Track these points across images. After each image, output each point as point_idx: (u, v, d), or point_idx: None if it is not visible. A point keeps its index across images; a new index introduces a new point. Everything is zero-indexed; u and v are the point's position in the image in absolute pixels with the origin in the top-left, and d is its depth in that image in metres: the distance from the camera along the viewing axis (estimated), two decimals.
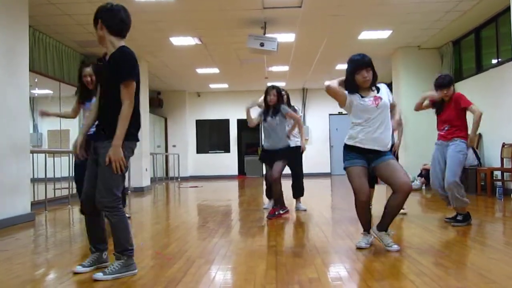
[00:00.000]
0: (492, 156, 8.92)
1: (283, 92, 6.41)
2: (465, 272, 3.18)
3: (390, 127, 4.02)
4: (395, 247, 3.84)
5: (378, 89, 4.00)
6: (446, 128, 5.21)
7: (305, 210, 6.71)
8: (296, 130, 6.59)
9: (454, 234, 4.69)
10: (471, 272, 3.15)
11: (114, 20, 3.15)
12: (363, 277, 3.12)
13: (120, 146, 3.02)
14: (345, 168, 3.99)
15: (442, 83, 5.16)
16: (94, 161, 3.19)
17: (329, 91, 3.96)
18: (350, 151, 3.96)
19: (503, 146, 8.27)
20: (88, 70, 4.89)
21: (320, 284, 2.95)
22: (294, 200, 6.91)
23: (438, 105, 5.35)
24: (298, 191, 6.86)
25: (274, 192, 6.07)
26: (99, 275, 3.10)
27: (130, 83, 3.08)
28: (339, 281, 3.04)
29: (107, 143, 3.06)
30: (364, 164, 3.93)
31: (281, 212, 6.08)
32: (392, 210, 3.91)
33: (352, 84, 3.94)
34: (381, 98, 3.92)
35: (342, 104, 4.01)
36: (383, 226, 3.95)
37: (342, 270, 3.33)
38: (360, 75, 3.87)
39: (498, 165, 8.41)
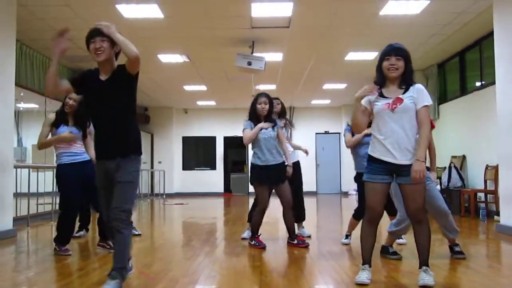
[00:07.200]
0: (475, 178, 9.01)
1: (278, 101, 5.76)
2: None
3: (413, 136, 3.37)
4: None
5: (407, 88, 3.41)
6: None
7: (309, 237, 5.91)
8: (289, 146, 5.67)
9: (437, 257, 4.70)
10: None
11: None
12: None
13: None
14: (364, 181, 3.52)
15: None
16: (109, 181, 3.18)
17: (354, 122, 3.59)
18: (372, 162, 3.45)
19: (486, 168, 8.36)
20: (74, 95, 4.76)
21: None
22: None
23: None
24: (300, 214, 5.98)
25: (291, 219, 5.32)
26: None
27: None
28: None
29: (127, 159, 3.17)
30: (385, 179, 3.41)
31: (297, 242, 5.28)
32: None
33: (379, 73, 3.46)
34: (402, 101, 3.34)
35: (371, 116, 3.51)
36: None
37: None
38: (388, 61, 3.37)
39: (482, 187, 8.50)
